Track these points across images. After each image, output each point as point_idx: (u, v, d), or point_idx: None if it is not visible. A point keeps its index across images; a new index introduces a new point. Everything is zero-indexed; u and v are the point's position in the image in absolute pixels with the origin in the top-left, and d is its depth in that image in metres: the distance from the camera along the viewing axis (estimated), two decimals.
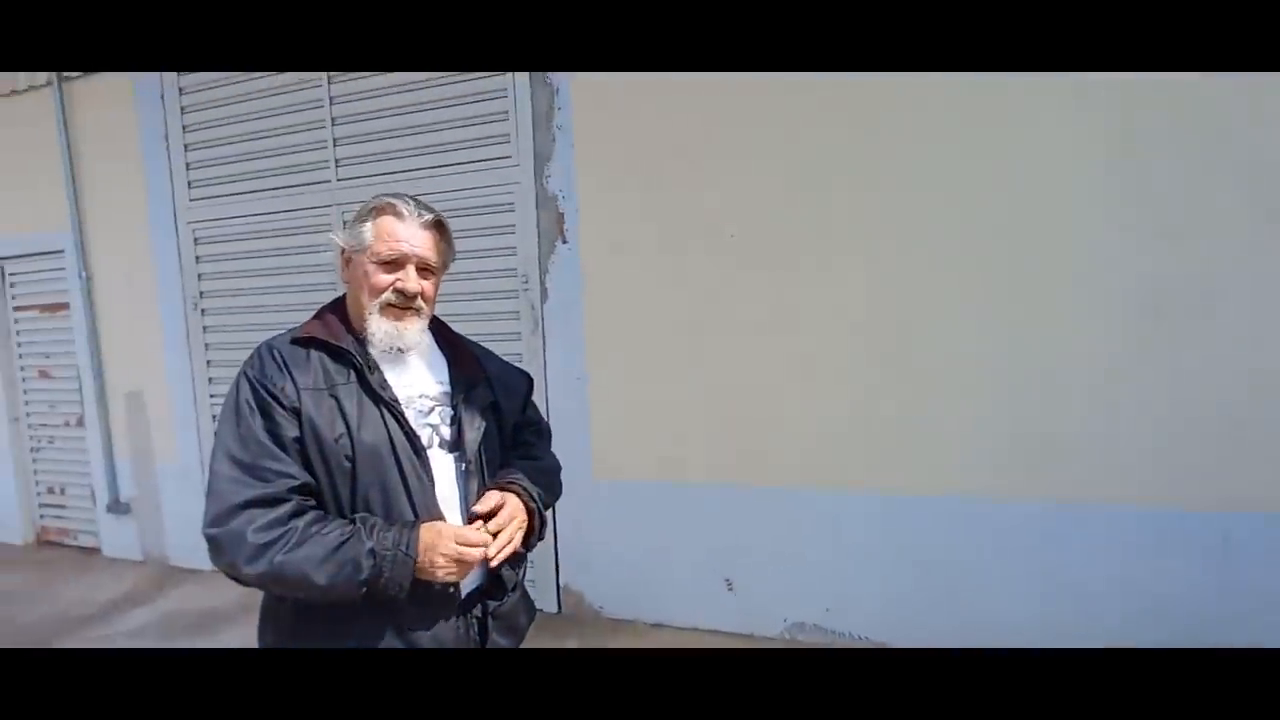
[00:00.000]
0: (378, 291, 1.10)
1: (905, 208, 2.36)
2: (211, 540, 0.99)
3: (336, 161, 3.11)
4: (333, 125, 3.09)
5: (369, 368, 1.09)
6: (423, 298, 1.12)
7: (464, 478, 1.13)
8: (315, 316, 1.15)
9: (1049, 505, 2.28)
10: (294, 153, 3.18)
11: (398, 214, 1.11)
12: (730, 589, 2.70)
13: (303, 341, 1.09)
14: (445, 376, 1.18)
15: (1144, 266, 2.15)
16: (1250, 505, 2.09)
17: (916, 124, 2.33)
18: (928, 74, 2.27)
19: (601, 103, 2.68)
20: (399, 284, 1.10)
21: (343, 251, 1.14)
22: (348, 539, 0.99)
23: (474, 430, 1.15)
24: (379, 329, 1.10)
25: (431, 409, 1.13)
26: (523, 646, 1.23)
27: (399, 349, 1.11)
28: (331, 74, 3.05)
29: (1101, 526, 2.24)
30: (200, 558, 3.63)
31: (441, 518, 1.08)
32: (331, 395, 1.05)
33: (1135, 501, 2.20)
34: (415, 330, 1.12)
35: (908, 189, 2.36)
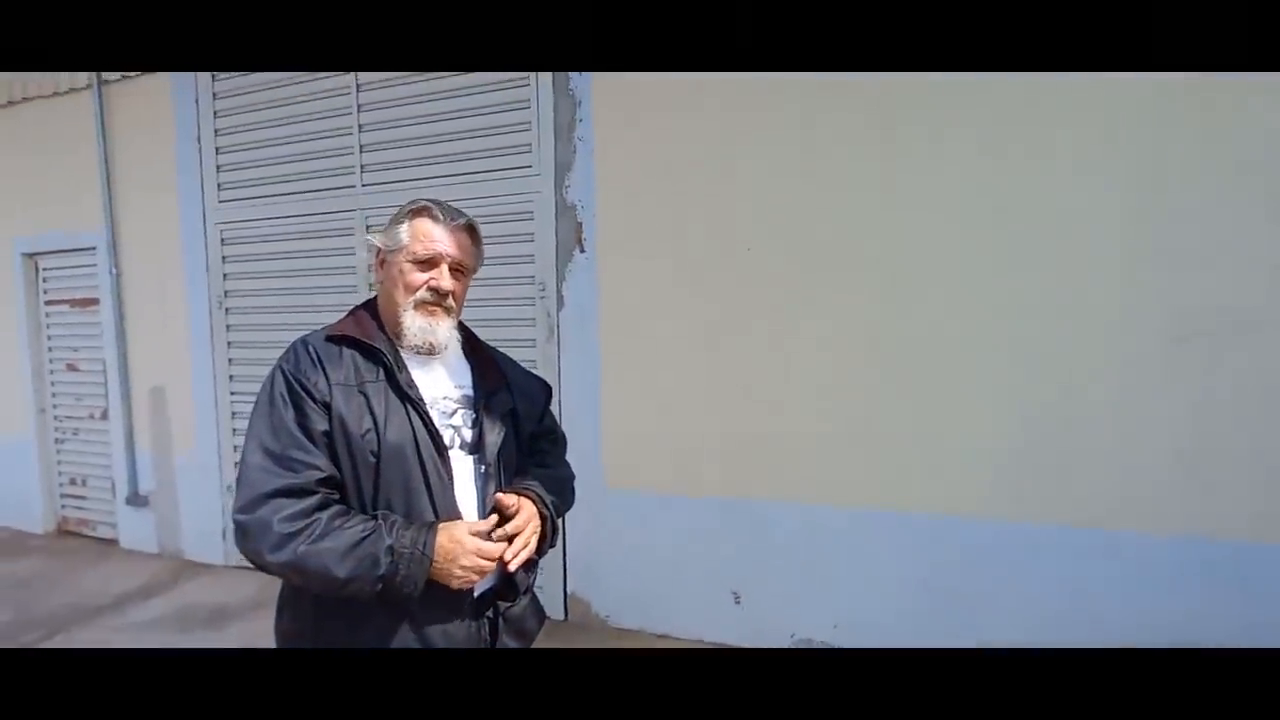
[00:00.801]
0: (413, 289, 1.14)
1: (924, 226, 2.36)
2: (239, 526, 1.03)
3: (362, 168, 3.18)
4: (359, 132, 3.16)
5: (398, 367, 1.12)
6: (453, 297, 1.17)
7: (483, 479, 1.15)
8: (349, 315, 1.20)
9: (1065, 529, 2.25)
10: (321, 158, 3.26)
11: (433, 216, 1.16)
12: (738, 602, 2.68)
13: (336, 339, 1.13)
14: (469, 381, 1.21)
15: (1167, 291, 2.12)
16: (1270, 536, 2.05)
17: (936, 143, 2.33)
18: (950, 94, 2.28)
19: (622, 115, 2.72)
20: (433, 282, 1.14)
21: (378, 252, 1.19)
22: (369, 534, 1.02)
23: (494, 434, 1.17)
24: (413, 324, 1.14)
25: (455, 411, 1.17)
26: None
27: (430, 344, 1.15)
28: (360, 82, 3.13)
29: (1120, 552, 2.20)
30: (214, 552, 3.72)
31: (459, 515, 1.10)
32: (361, 392, 1.09)
33: (1154, 529, 2.16)
34: (446, 328, 1.17)
35: (927, 207, 2.36)
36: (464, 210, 1.21)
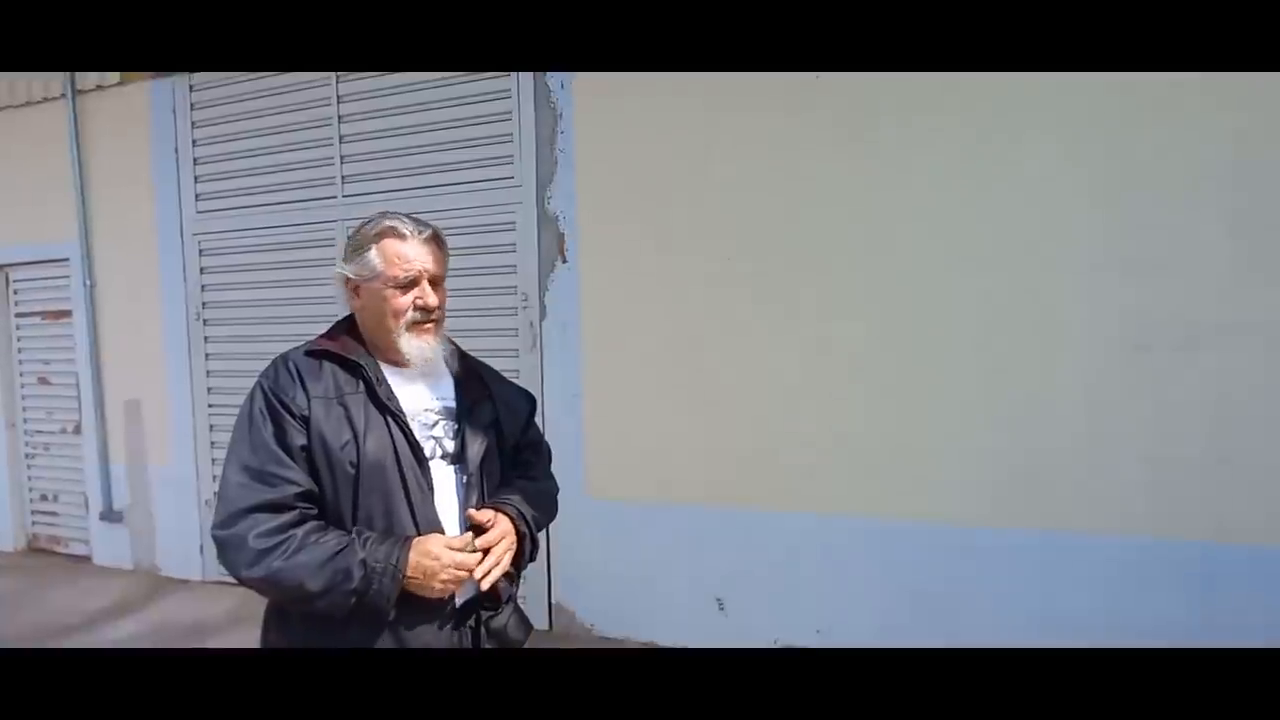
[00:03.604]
0: (402, 312, 1.14)
1: (898, 239, 2.42)
2: (217, 541, 1.05)
3: (343, 178, 3.17)
4: (340, 143, 3.15)
5: (377, 380, 1.13)
6: (440, 309, 1.18)
7: (464, 490, 1.16)
8: (329, 330, 1.21)
9: (1037, 533, 2.30)
10: (301, 168, 3.24)
11: (400, 235, 1.14)
12: (721, 609, 2.70)
13: (317, 353, 1.15)
14: (451, 393, 1.22)
15: (1130, 301, 2.19)
16: (1233, 537, 2.12)
17: (911, 157, 2.39)
18: (922, 105, 2.34)
19: (603, 127, 2.75)
20: (419, 301, 1.15)
21: (347, 280, 1.17)
22: (343, 549, 1.03)
23: (476, 445, 1.18)
24: (411, 347, 1.15)
25: (436, 422, 1.17)
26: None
27: (429, 360, 1.17)
28: (341, 93, 3.13)
29: (1088, 555, 2.25)
30: (191, 568, 3.65)
31: (440, 526, 1.11)
32: (341, 404, 1.10)
33: (1121, 531, 2.22)
34: (440, 343, 1.19)
35: (901, 220, 2.41)
36: (425, 219, 1.20)
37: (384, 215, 1.18)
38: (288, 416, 1.07)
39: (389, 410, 1.11)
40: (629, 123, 2.71)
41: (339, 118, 3.14)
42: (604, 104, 2.73)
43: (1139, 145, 2.16)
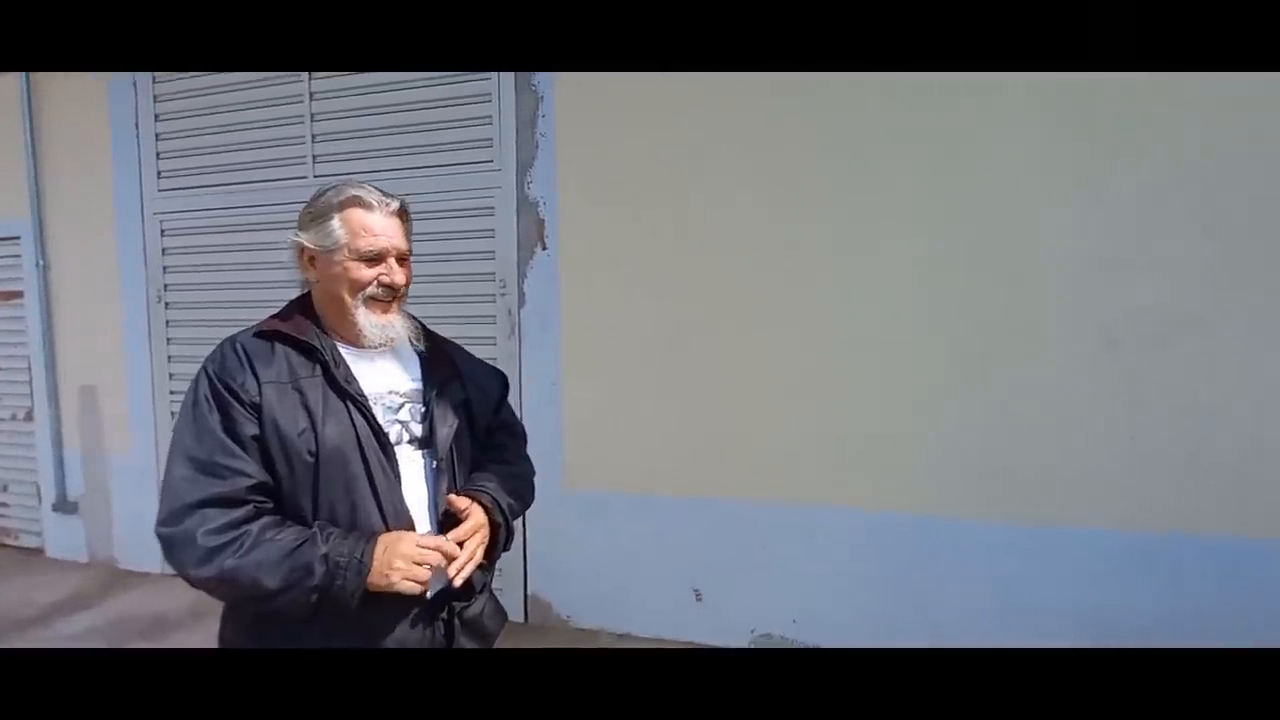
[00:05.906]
0: (361, 286, 1.07)
1: (879, 233, 2.42)
2: (163, 539, 0.97)
3: (314, 158, 3.07)
4: (312, 121, 3.05)
5: (334, 361, 1.06)
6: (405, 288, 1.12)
7: (434, 476, 1.11)
8: (282, 311, 1.13)
9: (1011, 526, 2.33)
10: (271, 147, 3.13)
11: (366, 206, 1.07)
12: (699, 600, 2.70)
13: (268, 334, 1.07)
14: (417, 373, 1.16)
15: (1102, 296, 2.22)
16: (1201, 529, 2.17)
17: (892, 150, 2.39)
18: (907, 103, 2.34)
19: (585, 111, 2.70)
20: (383, 278, 1.07)
21: (303, 250, 1.10)
22: (302, 543, 0.96)
23: (446, 428, 1.12)
24: (369, 323, 1.07)
25: (401, 405, 1.11)
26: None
27: (390, 340, 1.10)
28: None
29: (1061, 548, 2.29)
30: (150, 560, 3.53)
31: (409, 515, 1.06)
32: (295, 389, 1.02)
33: (1094, 525, 2.26)
34: (401, 321, 1.12)
35: (882, 213, 2.41)
36: (393, 191, 1.13)
37: (348, 183, 1.11)
38: (236, 404, 0.99)
39: (348, 394, 1.04)
40: (612, 107, 2.67)
41: (310, 95, 3.03)
42: (587, 87, 2.68)
43: (1115, 144, 2.19)
